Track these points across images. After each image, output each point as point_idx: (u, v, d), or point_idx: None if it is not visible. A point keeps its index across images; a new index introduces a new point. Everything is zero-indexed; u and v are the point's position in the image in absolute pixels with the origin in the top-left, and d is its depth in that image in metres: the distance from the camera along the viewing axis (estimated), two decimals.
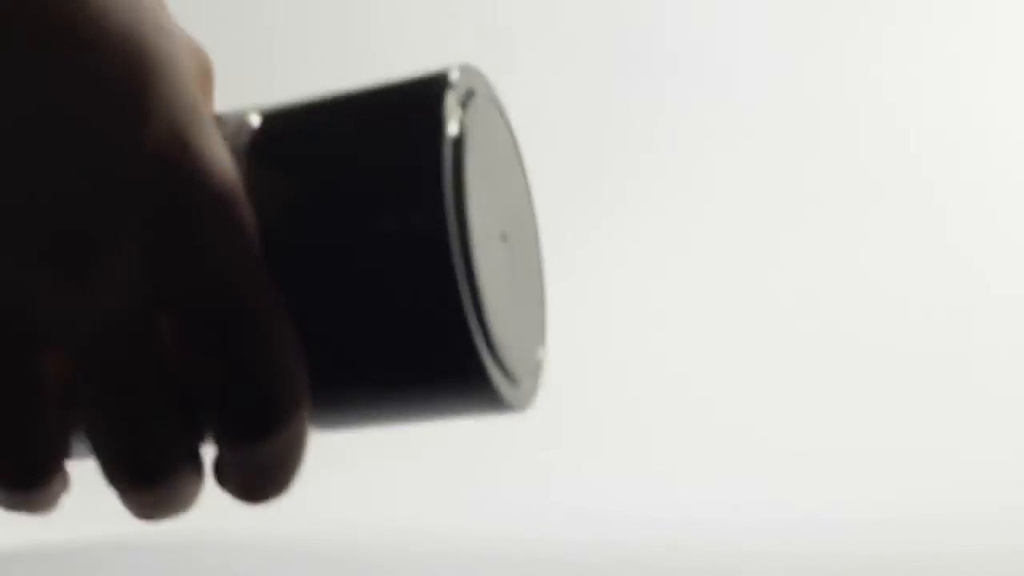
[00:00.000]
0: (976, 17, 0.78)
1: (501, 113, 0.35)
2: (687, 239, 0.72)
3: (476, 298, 0.31)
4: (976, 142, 0.77)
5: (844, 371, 0.69)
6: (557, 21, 0.82)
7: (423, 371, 0.32)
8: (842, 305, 0.71)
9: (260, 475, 0.32)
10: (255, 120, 0.33)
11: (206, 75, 0.33)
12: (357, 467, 0.71)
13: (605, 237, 0.75)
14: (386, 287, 0.31)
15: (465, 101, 0.33)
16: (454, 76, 0.33)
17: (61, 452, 0.32)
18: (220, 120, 0.34)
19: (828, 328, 0.71)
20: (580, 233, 0.76)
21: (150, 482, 0.31)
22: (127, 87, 0.31)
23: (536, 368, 0.36)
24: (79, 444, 0.34)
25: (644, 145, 0.78)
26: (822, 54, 0.78)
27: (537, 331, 0.36)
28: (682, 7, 0.81)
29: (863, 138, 0.77)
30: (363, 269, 0.31)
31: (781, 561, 0.52)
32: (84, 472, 0.61)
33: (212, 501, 0.67)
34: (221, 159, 0.31)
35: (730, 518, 0.63)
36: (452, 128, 0.32)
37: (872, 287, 0.72)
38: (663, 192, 0.76)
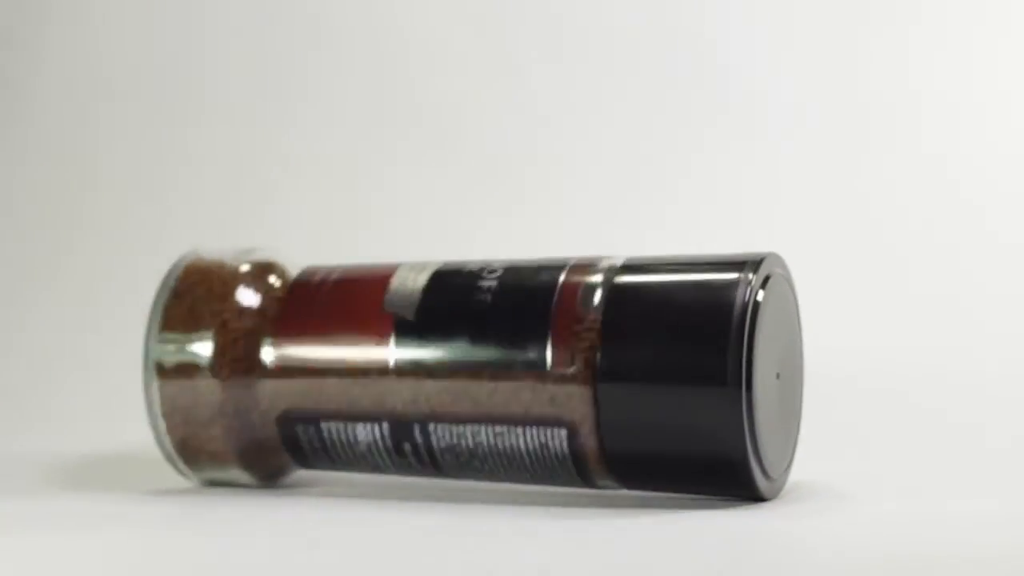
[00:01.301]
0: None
1: (790, 286, 0.49)
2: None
3: (753, 423, 0.45)
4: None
5: None
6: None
7: (707, 478, 0.46)
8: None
9: None
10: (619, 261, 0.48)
11: None
12: None
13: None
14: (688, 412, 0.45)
15: (765, 282, 0.46)
16: (761, 260, 0.46)
17: None
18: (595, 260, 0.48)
19: None
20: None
21: None
22: None
23: (787, 467, 0.49)
24: None
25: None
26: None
27: (792, 437, 0.50)
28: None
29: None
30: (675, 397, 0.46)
31: None
32: None
33: None
34: None
35: None
36: (754, 299, 0.45)
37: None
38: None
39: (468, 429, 0.48)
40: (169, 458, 0.53)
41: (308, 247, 0.58)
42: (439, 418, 0.48)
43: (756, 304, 0.46)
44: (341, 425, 0.50)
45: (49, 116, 0.90)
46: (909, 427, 0.63)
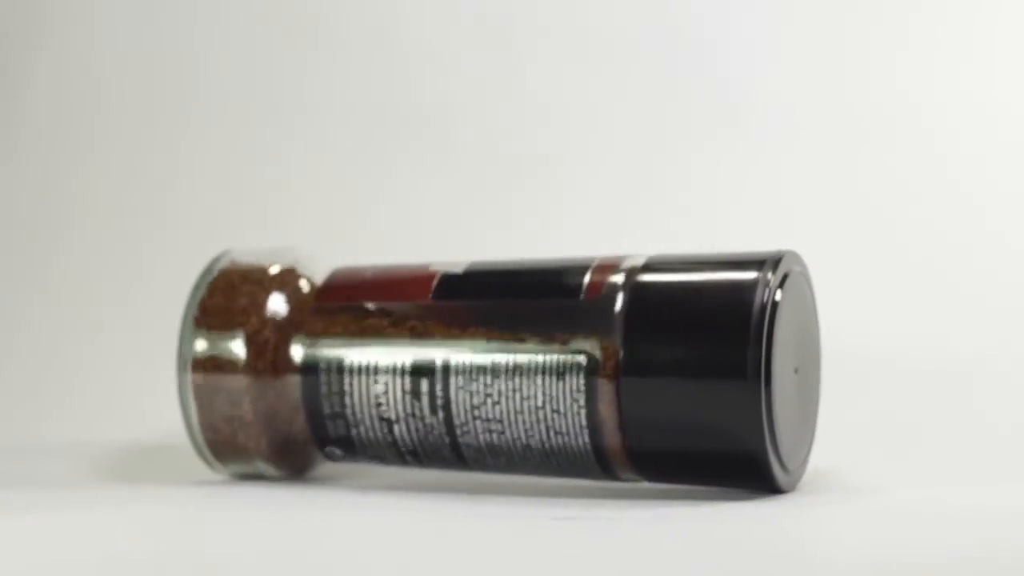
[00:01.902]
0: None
1: (808, 283, 0.50)
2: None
3: (771, 418, 0.46)
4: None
5: None
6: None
7: (726, 471, 0.47)
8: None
9: None
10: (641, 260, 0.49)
11: None
12: None
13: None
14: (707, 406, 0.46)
15: (783, 280, 0.47)
16: (780, 259, 0.47)
17: None
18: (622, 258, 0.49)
19: None
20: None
21: None
22: None
23: (805, 460, 0.50)
24: None
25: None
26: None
27: (809, 430, 0.51)
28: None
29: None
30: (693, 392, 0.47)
31: None
32: None
33: None
34: None
35: None
36: (773, 297, 0.46)
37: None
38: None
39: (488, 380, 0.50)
40: (199, 451, 0.54)
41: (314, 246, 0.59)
42: (459, 370, 0.50)
43: (775, 302, 0.47)
44: (363, 379, 0.51)
45: (47, 116, 0.90)
46: (926, 420, 0.63)
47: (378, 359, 0.51)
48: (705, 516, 0.45)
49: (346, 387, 0.52)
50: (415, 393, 0.50)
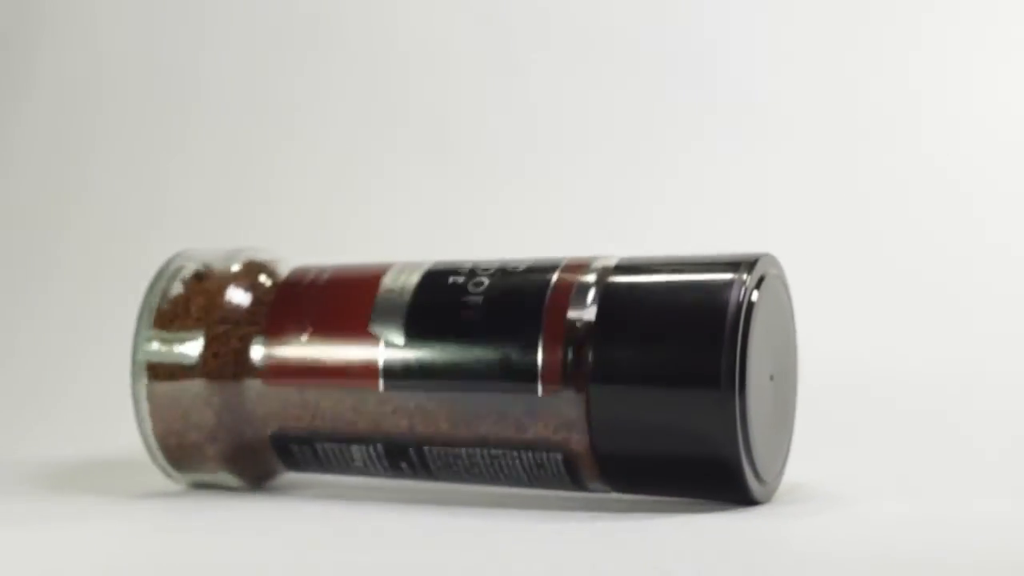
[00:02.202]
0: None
1: (785, 287, 0.48)
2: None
3: (745, 426, 0.44)
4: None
5: None
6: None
7: (699, 482, 0.46)
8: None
9: None
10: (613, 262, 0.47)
11: None
12: None
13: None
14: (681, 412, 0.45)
15: (759, 283, 0.46)
16: (755, 262, 0.46)
17: None
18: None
19: None
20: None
21: None
22: None
23: (780, 470, 0.48)
24: None
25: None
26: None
27: (786, 439, 0.49)
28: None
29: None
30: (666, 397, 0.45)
31: None
32: None
33: None
34: None
35: None
36: (748, 300, 0.45)
37: None
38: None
39: (463, 451, 0.48)
40: (156, 459, 0.53)
41: (304, 246, 0.57)
42: (433, 441, 0.48)
43: (750, 305, 0.45)
44: (335, 446, 0.50)
45: (45, 116, 0.90)
46: (904, 429, 0.63)
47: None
48: (676, 528, 0.44)
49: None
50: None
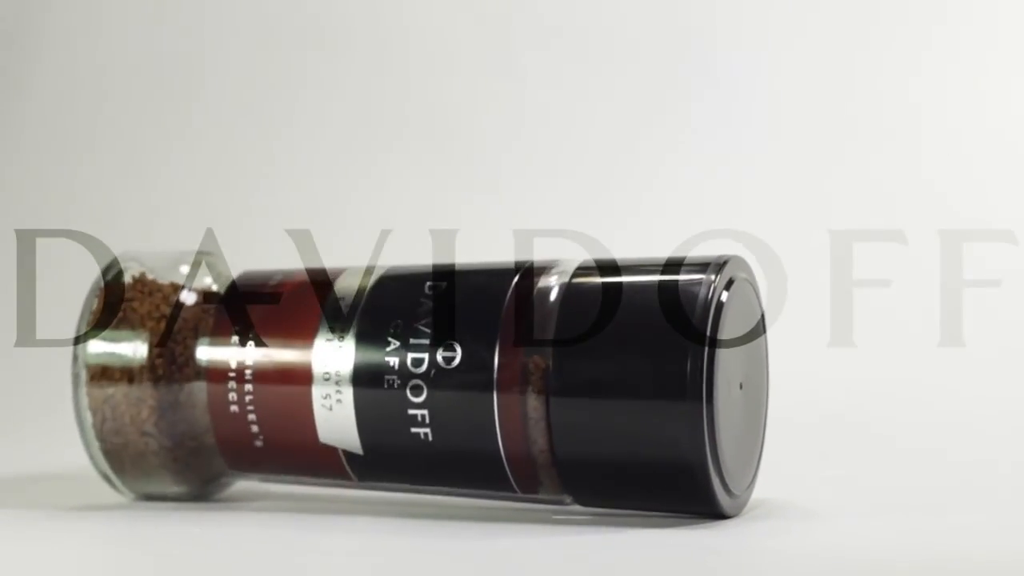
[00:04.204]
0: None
1: (755, 292, 0.46)
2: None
3: (714, 435, 0.42)
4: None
5: None
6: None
7: (665, 494, 0.44)
8: None
9: None
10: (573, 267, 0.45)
11: None
12: None
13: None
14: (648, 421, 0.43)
15: (728, 284, 0.44)
16: (724, 265, 0.44)
17: None
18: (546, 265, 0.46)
19: None
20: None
21: None
22: None
23: (750, 483, 0.46)
24: None
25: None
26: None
27: (756, 451, 0.47)
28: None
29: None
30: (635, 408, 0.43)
31: None
32: None
33: None
34: None
35: None
36: (716, 302, 0.43)
37: None
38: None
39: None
40: (98, 466, 0.51)
41: (298, 246, 0.56)
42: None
43: (719, 306, 0.43)
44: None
45: (47, 117, 0.91)
46: (874, 444, 0.62)
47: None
48: (643, 543, 0.42)
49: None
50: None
